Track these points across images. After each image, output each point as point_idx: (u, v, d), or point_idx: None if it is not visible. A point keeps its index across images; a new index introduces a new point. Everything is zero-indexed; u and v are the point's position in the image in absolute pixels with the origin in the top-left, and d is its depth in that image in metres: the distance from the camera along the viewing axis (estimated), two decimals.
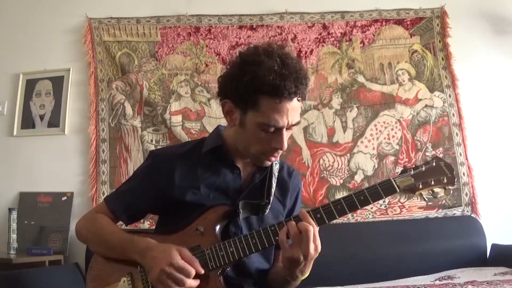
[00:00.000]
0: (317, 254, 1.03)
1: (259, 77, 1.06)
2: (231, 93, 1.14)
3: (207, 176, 1.20)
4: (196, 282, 1.04)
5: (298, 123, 1.14)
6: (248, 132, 1.13)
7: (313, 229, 1.01)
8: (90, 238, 1.24)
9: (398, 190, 1.07)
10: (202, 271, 1.05)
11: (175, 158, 1.23)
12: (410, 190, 1.09)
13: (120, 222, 1.28)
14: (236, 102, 1.13)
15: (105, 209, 1.24)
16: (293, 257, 1.01)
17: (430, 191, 1.10)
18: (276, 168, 1.26)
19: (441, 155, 2.80)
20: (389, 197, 2.65)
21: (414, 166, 1.10)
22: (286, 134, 1.12)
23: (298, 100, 1.11)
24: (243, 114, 1.13)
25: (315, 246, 1.01)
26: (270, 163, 1.20)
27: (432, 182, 1.08)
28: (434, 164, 1.09)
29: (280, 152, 1.17)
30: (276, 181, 1.25)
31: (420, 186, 1.08)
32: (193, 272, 1.03)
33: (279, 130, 1.11)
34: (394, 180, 1.07)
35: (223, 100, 1.18)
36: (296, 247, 1.01)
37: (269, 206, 1.20)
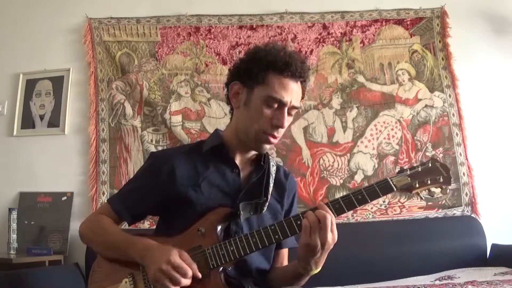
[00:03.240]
0: (333, 244, 1.04)
1: (271, 54, 1.19)
2: (244, 72, 1.21)
3: (208, 174, 1.22)
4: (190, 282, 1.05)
5: (297, 108, 1.22)
6: (252, 109, 1.19)
7: (331, 218, 1.03)
8: (93, 239, 1.25)
9: (395, 189, 1.09)
10: (200, 276, 1.05)
11: (175, 157, 1.25)
12: (407, 189, 1.11)
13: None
14: (246, 80, 1.21)
15: (109, 210, 1.26)
16: (311, 244, 1.02)
17: (427, 190, 1.12)
18: (273, 169, 1.29)
19: (441, 155, 2.81)
20: (389, 197, 2.72)
21: (410, 166, 1.13)
22: (287, 114, 1.19)
23: (302, 83, 1.22)
24: (250, 91, 1.20)
25: (332, 236, 1.03)
26: (268, 146, 1.23)
27: (429, 182, 1.10)
28: (430, 165, 1.12)
29: (280, 132, 1.21)
30: (273, 181, 1.27)
31: (417, 185, 1.10)
32: (189, 273, 1.03)
33: (281, 108, 1.17)
34: (391, 180, 1.09)
35: (232, 83, 1.24)
36: (313, 234, 1.02)
37: (267, 203, 1.22)
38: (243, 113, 1.22)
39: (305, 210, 1.08)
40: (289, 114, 1.20)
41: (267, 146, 1.23)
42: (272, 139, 1.20)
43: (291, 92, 1.18)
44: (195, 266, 1.06)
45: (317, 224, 1.02)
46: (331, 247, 1.05)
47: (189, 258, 1.07)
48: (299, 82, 1.20)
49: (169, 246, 1.08)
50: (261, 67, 1.18)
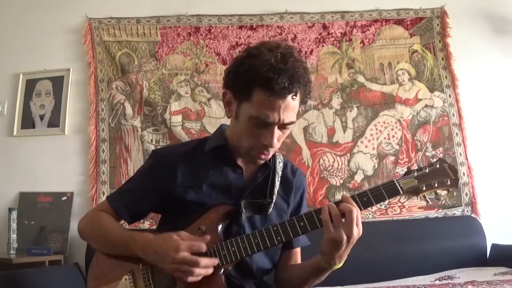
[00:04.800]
0: (358, 237, 1.02)
1: (254, 68, 1.05)
2: (231, 83, 1.13)
3: (209, 175, 1.20)
4: (206, 263, 1.03)
5: (292, 123, 1.11)
6: (241, 125, 1.12)
7: (357, 211, 1.01)
8: (92, 236, 1.24)
9: (402, 192, 1.05)
10: (204, 248, 1.04)
11: (177, 156, 1.22)
12: (414, 192, 1.07)
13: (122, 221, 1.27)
14: (234, 92, 1.13)
15: (108, 208, 1.23)
16: (337, 239, 1.00)
17: (433, 192, 1.08)
18: (279, 167, 1.25)
19: (441, 155, 2.81)
20: None
21: (417, 167, 1.08)
22: (277, 132, 1.10)
23: (293, 98, 1.08)
24: (239, 105, 1.12)
25: (358, 229, 1.01)
26: (261, 161, 1.18)
27: (436, 184, 1.07)
28: (438, 166, 1.08)
29: (271, 150, 1.14)
30: (279, 179, 1.24)
31: (424, 188, 1.06)
32: (199, 260, 1.02)
33: (269, 126, 1.09)
34: (398, 182, 1.05)
35: (224, 90, 1.16)
36: (338, 228, 1.00)
37: (272, 205, 1.19)
38: (235, 125, 1.16)
39: (309, 210, 1.07)
40: (284, 128, 1.11)
41: (260, 161, 1.18)
42: (262, 156, 1.15)
43: (279, 110, 1.06)
44: (196, 240, 1.04)
45: (339, 218, 1.00)
46: (355, 241, 1.02)
47: (189, 235, 1.06)
48: (289, 97, 1.06)
49: (166, 235, 1.06)
50: (245, 82, 1.07)
